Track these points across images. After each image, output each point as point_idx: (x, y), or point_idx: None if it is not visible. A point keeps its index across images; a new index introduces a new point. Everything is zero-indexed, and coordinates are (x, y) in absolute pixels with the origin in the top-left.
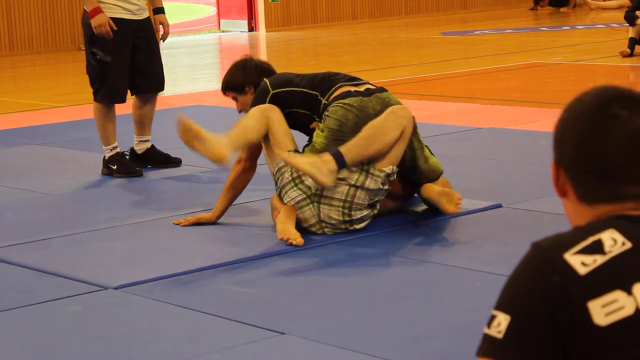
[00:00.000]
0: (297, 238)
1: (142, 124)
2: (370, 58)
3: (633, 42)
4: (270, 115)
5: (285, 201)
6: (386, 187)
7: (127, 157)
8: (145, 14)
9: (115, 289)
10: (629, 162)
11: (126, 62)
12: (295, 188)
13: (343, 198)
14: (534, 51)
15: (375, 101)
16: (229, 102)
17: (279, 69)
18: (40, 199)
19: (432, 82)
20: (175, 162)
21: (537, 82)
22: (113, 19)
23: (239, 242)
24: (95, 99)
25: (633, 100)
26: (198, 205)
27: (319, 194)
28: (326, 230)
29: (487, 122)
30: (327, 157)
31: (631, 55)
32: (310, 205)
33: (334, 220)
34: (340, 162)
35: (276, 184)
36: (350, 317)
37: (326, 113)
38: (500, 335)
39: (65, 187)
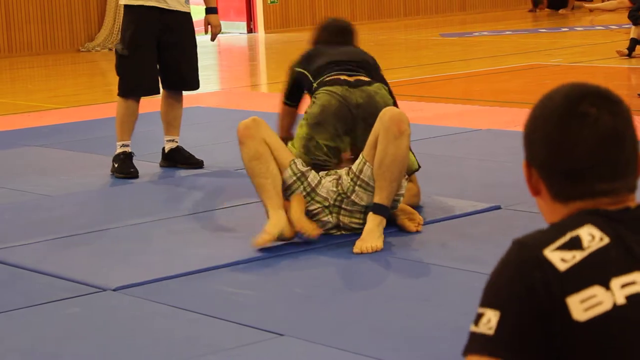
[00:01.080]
0: (314, 230)
1: (168, 124)
2: None
3: (634, 42)
4: (263, 136)
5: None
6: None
7: (130, 158)
8: (179, 7)
9: (114, 290)
10: (600, 159)
11: (145, 57)
12: (312, 201)
13: (363, 210)
14: (533, 53)
15: (359, 94)
16: (227, 104)
17: (278, 71)
18: (39, 201)
19: (431, 84)
20: (196, 164)
21: (535, 83)
22: (140, 6)
23: (237, 243)
24: (117, 93)
25: (601, 97)
26: (198, 207)
27: (337, 205)
28: (343, 232)
29: (486, 123)
30: (378, 220)
31: (629, 56)
32: (329, 215)
33: (355, 225)
34: (386, 213)
35: (287, 199)
36: (348, 318)
37: (313, 99)
38: (491, 332)
39: (64, 188)
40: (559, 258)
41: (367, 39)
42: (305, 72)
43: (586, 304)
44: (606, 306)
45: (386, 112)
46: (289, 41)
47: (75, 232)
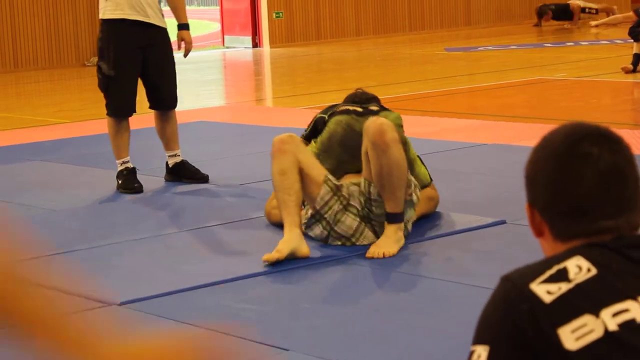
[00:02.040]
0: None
1: (166, 139)
2: (374, 74)
3: (637, 58)
4: (296, 152)
5: (339, 229)
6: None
7: (134, 173)
8: (158, 22)
9: (119, 305)
10: (603, 197)
11: (131, 75)
12: (349, 214)
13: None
14: (538, 67)
15: (364, 122)
16: (232, 119)
17: (283, 85)
18: (44, 215)
19: (436, 98)
20: (202, 178)
21: (540, 98)
22: (122, 21)
23: (242, 258)
24: (106, 113)
25: (601, 136)
26: (203, 222)
27: (366, 215)
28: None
29: (491, 138)
30: (393, 228)
31: (634, 71)
32: (366, 227)
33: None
34: (400, 218)
35: (323, 216)
36: (354, 333)
37: (324, 129)
38: None
39: (69, 203)
40: (545, 291)
41: (372, 54)
42: (324, 115)
43: (577, 333)
44: (598, 333)
45: (370, 126)
46: (294, 55)
47: (80, 247)
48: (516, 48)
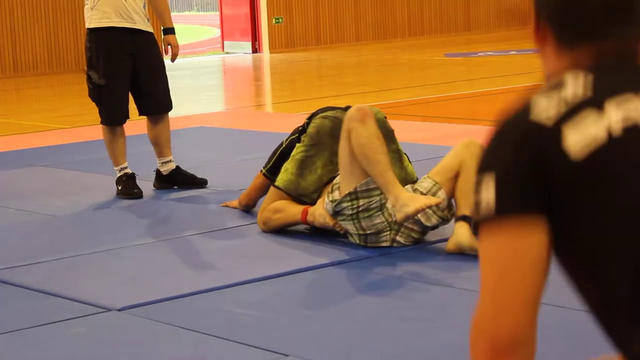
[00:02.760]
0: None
1: (159, 145)
2: (374, 80)
3: None
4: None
5: (364, 224)
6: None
7: (133, 179)
8: (145, 27)
9: (119, 310)
10: (611, 4)
11: (122, 83)
12: (380, 215)
13: (421, 230)
14: (538, 72)
15: None
16: (232, 124)
17: (282, 91)
18: (45, 221)
19: (436, 104)
20: (201, 183)
21: None
22: (110, 29)
23: (242, 263)
24: (100, 122)
25: None
26: (203, 227)
27: (399, 224)
28: (394, 244)
29: None
30: (467, 225)
31: None
32: (388, 232)
33: (412, 238)
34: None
35: (358, 196)
36: (354, 339)
37: (308, 128)
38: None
39: (69, 208)
40: (544, 106)
41: (372, 59)
42: (300, 127)
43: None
44: (601, 139)
45: (472, 142)
46: (294, 61)
47: (81, 252)
48: (516, 53)
